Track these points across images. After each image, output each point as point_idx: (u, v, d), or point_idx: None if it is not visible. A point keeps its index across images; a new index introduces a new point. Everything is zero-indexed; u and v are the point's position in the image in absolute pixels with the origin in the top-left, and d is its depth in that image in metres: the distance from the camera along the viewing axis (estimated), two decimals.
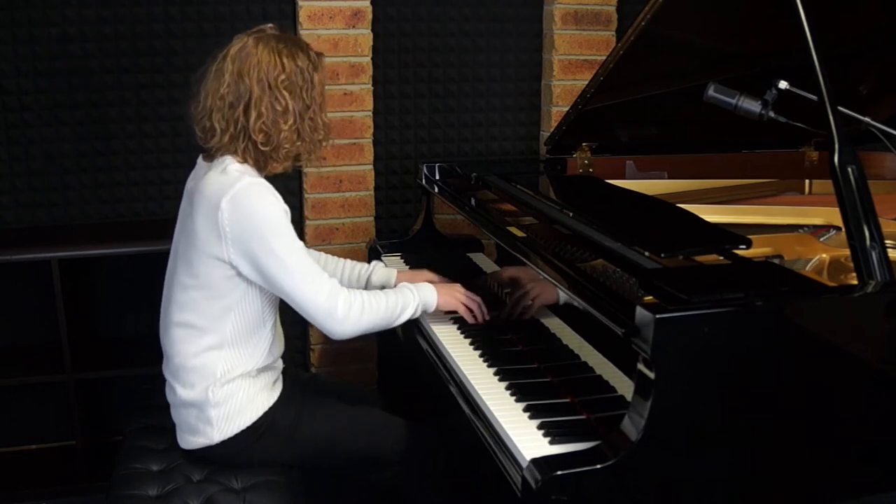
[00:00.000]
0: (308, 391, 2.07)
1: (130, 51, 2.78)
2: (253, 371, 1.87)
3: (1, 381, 2.70)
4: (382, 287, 2.19)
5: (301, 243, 1.82)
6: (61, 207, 2.84)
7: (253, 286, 1.83)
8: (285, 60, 1.80)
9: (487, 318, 2.02)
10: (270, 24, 1.89)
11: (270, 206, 1.77)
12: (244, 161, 1.83)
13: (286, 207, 1.81)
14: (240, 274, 1.80)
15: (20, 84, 2.72)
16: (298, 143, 1.85)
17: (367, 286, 2.21)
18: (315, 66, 1.85)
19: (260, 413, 1.87)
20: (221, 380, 1.83)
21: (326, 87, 1.94)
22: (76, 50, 2.74)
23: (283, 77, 1.79)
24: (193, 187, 1.86)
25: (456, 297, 2.02)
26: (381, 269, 2.22)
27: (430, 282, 2.16)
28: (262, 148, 1.81)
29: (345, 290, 1.84)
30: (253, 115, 1.78)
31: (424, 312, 2.00)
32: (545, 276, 1.76)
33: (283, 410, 1.91)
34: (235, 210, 1.74)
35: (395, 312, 1.91)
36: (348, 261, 2.24)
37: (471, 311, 2.02)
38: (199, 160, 1.93)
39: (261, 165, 1.86)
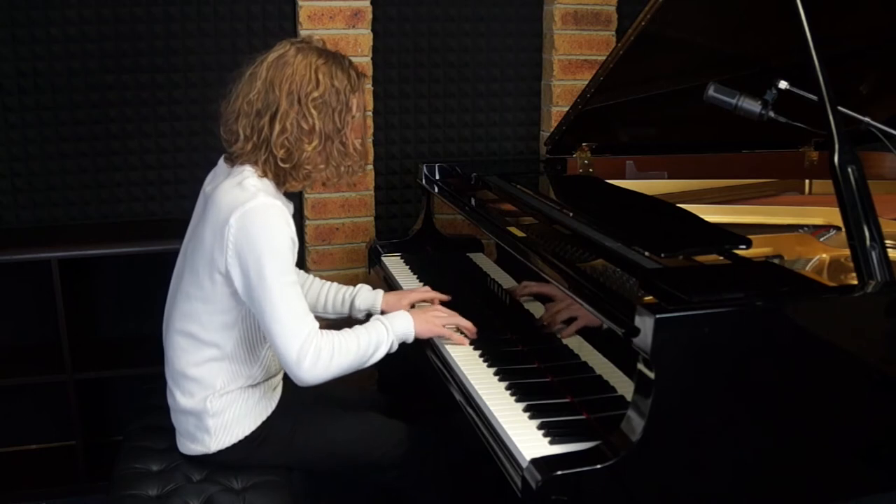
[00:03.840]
0: (308, 395, 2.06)
1: (130, 51, 2.78)
2: (253, 382, 1.86)
3: (1, 381, 2.70)
4: (368, 312, 2.12)
5: (295, 278, 1.73)
6: (61, 207, 2.84)
7: None
8: (321, 77, 1.72)
9: (474, 336, 1.95)
10: (318, 37, 1.82)
11: (277, 231, 1.69)
12: (263, 174, 1.76)
13: (294, 237, 1.74)
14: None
15: (20, 84, 2.72)
16: (322, 167, 1.78)
17: (351, 310, 2.13)
18: (353, 88, 1.77)
19: (258, 423, 1.86)
20: (220, 391, 1.82)
21: None
22: (76, 50, 2.74)
23: (315, 94, 1.72)
24: (210, 192, 1.80)
25: (435, 323, 1.91)
26: (366, 293, 2.13)
27: (415, 303, 2.09)
28: (282, 164, 1.73)
29: (318, 337, 1.74)
30: (277, 128, 1.71)
31: (403, 343, 1.90)
32: (545, 276, 1.76)
33: (282, 419, 1.89)
34: (242, 227, 1.68)
35: (366, 354, 1.80)
36: (333, 284, 2.15)
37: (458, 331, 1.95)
38: (221, 161, 1.88)
39: (280, 181, 1.79)
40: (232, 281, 1.73)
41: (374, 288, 2.18)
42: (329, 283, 2.17)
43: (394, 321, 1.88)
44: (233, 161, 1.80)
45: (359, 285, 2.16)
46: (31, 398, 2.88)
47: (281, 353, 1.73)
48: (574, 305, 1.68)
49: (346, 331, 1.81)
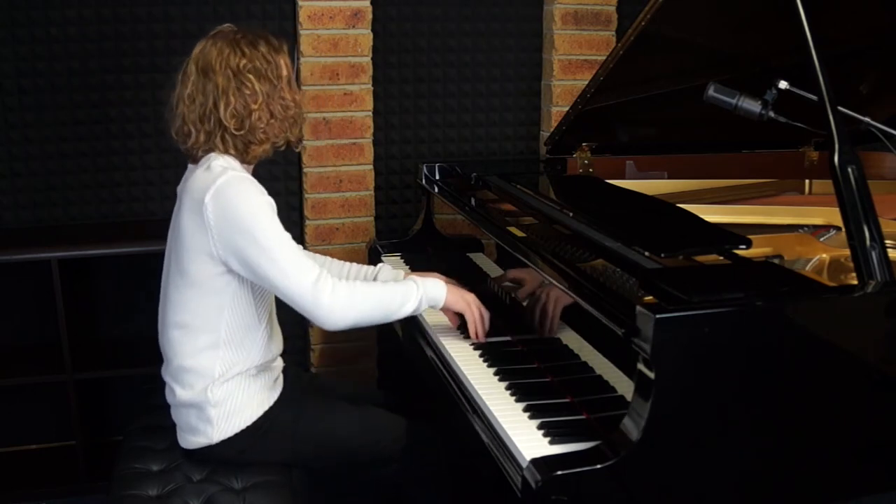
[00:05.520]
0: (309, 391, 2.07)
1: (130, 51, 2.78)
2: (252, 370, 1.87)
3: (1, 381, 2.70)
4: None
5: (287, 234, 1.79)
6: (61, 207, 2.84)
7: (245, 284, 1.83)
8: (245, 48, 1.82)
9: (484, 339, 1.94)
10: (228, 24, 1.91)
11: (252, 197, 1.76)
12: (225, 153, 1.84)
13: (271, 200, 1.80)
14: (230, 271, 1.79)
15: (20, 84, 2.72)
16: (273, 122, 1.85)
17: None
18: (276, 49, 1.87)
19: (260, 412, 1.87)
20: (220, 379, 1.83)
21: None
22: (76, 50, 2.74)
23: (244, 62, 1.81)
24: (182, 189, 1.87)
25: (466, 299, 1.93)
26: (388, 270, 2.17)
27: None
28: (237, 132, 1.82)
29: (333, 279, 1.79)
30: (222, 104, 1.80)
31: (432, 308, 1.93)
32: (545, 276, 1.76)
33: (284, 410, 1.91)
34: (218, 204, 1.74)
35: (393, 303, 1.84)
36: (354, 264, 2.20)
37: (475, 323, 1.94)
38: (189, 166, 1.93)
39: (242, 153, 1.85)
40: (225, 263, 1.77)
41: None
42: (348, 262, 2.20)
43: (426, 282, 1.90)
44: (197, 158, 1.87)
45: (380, 264, 2.20)
46: (31, 398, 2.88)
47: (296, 300, 1.76)
48: (553, 292, 1.68)
49: (370, 281, 1.86)
